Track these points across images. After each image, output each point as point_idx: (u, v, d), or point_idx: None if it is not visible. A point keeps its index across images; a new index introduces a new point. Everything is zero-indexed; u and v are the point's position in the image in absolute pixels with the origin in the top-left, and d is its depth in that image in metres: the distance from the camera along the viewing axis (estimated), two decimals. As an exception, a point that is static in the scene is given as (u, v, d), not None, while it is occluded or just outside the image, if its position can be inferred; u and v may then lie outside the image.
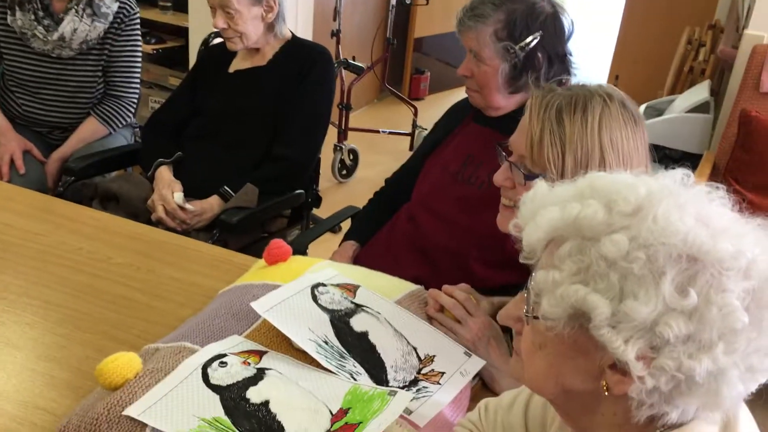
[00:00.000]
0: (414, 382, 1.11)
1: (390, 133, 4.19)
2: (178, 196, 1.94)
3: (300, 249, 1.80)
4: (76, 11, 2.28)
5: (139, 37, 2.45)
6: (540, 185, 0.74)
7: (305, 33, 4.03)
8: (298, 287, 1.22)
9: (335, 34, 3.82)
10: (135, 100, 2.50)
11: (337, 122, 3.90)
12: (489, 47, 1.50)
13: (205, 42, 2.37)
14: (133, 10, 2.41)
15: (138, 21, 2.43)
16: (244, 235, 1.96)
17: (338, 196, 3.71)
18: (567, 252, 0.66)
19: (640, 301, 0.61)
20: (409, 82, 5.07)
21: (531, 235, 0.71)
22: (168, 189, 1.96)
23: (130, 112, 2.49)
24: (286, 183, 2.05)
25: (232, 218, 1.87)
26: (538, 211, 0.70)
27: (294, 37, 2.13)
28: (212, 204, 1.97)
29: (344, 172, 3.94)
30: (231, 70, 2.12)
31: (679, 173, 0.69)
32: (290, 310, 1.16)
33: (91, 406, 1.02)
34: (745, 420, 0.71)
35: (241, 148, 2.04)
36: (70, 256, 1.50)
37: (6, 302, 1.33)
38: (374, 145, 4.23)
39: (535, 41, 1.48)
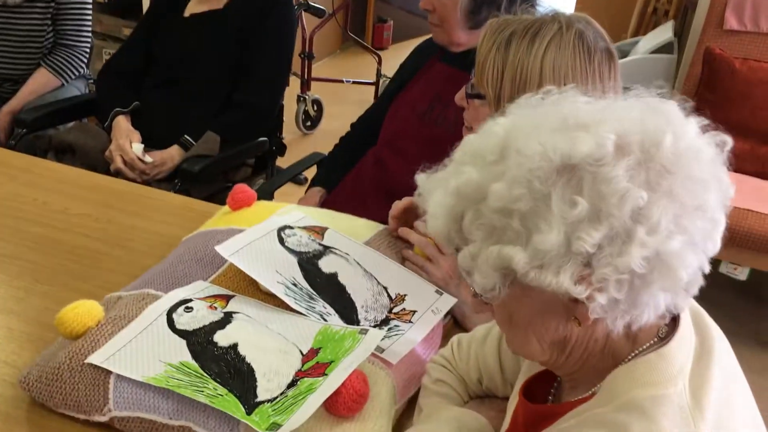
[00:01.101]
0: (385, 321, 1.10)
1: (354, 82, 4.12)
2: (137, 147, 1.88)
3: (265, 198, 1.76)
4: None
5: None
6: (418, 178, 0.74)
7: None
8: (264, 230, 1.19)
9: (295, -20, 3.72)
10: (87, 50, 2.40)
11: (299, 72, 3.82)
12: (447, -21, 1.46)
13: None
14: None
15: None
16: (207, 184, 1.91)
17: (303, 147, 3.66)
18: (469, 222, 0.66)
19: (543, 232, 0.61)
20: (372, 32, 4.98)
21: (437, 227, 0.70)
22: (126, 139, 1.90)
23: (83, 62, 2.39)
24: (248, 130, 2.00)
25: (194, 167, 1.81)
26: (428, 202, 0.71)
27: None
28: (172, 154, 1.91)
29: (308, 123, 3.88)
30: (186, 14, 2.05)
31: (531, 96, 0.70)
32: (256, 254, 1.13)
33: (52, 355, 0.99)
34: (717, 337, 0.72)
35: (201, 96, 1.98)
36: (26, 208, 1.44)
37: (-41, 256, 1.28)
38: (338, 96, 4.16)
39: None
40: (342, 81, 4.07)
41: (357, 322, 1.08)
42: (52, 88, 2.35)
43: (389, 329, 1.09)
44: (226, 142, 1.91)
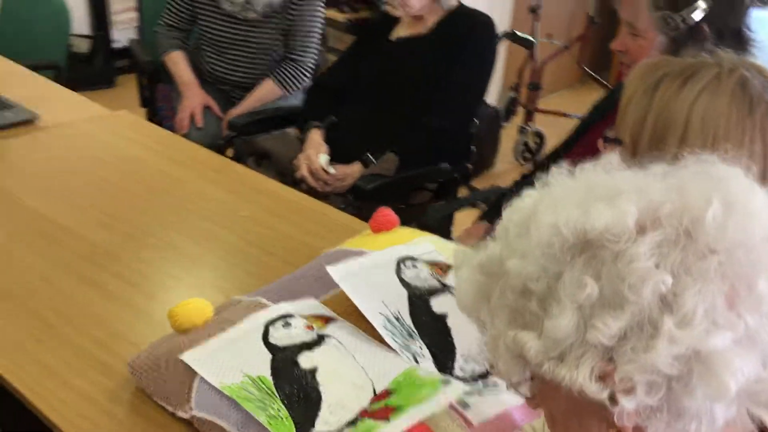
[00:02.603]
0: (484, 376, 1.01)
1: (579, 118, 3.92)
2: (323, 158, 1.96)
3: (431, 222, 1.73)
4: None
5: (321, 5, 2.50)
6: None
7: (503, 5, 3.91)
8: (384, 258, 1.16)
9: (534, 9, 3.65)
10: (312, 65, 2.56)
11: (524, 103, 3.75)
12: (645, 17, 1.31)
13: (376, 6, 2.36)
14: (317, -23, 2.46)
15: (322, -11, 2.49)
16: (380, 203, 1.93)
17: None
18: (495, 302, 0.58)
19: (555, 317, 0.52)
20: (615, 67, 4.73)
21: (466, 305, 0.62)
22: (314, 150, 1.99)
23: (306, 76, 2.56)
24: (429, 155, 1.99)
25: (367, 185, 1.85)
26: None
27: (460, 5, 2.05)
28: (354, 170, 1.97)
29: (527, 155, 3.78)
30: (393, 37, 2.10)
31: (561, 170, 0.60)
32: (368, 280, 1.11)
33: (158, 345, 1.06)
34: None
35: (391, 116, 2.01)
36: (202, 204, 1.57)
37: (131, 239, 1.42)
38: (563, 131, 4.00)
39: (702, 12, 1.27)
40: (569, 115, 3.91)
41: (450, 371, 1.01)
42: (275, 97, 2.54)
43: (486, 385, 1.00)
44: (405, 164, 1.92)
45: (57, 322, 1.18)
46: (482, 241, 0.61)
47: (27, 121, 1.86)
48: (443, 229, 1.97)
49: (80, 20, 4.41)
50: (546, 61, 3.69)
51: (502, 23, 3.89)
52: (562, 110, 3.98)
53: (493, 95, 4.01)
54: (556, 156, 1.67)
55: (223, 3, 2.44)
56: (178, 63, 2.55)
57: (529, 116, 3.75)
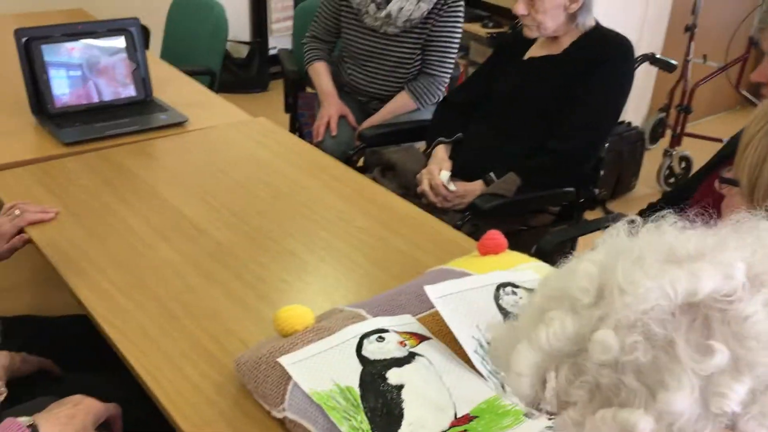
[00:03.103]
0: (572, 413, 0.99)
1: (736, 144, 3.68)
2: (444, 174, 1.98)
3: (549, 247, 1.71)
4: (406, -9, 2.44)
5: (460, 21, 2.53)
6: (495, 328, 0.63)
7: (657, 24, 3.75)
8: (484, 281, 1.17)
9: (689, 28, 3.47)
10: (447, 80, 2.60)
11: (673, 125, 3.57)
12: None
13: (513, 26, 2.35)
14: (458, -7, 2.49)
15: (461, 5, 2.51)
16: (499, 223, 1.92)
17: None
18: (566, 381, 0.54)
19: (671, 389, 0.48)
20: (780, 91, 4.38)
21: (522, 389, 0.58)
22: (437, 166, 2.02)
23: (440, 90, 2.59)
24: (552, 177, 1.95)
25: (485, 204, 1.85)
26: (509, 359, 0.58)
27: (597, 26, 2.00)
28: (475, 188, 1.97)
29: (671, 180, 3.60)
30: (526, 56, 2.08)
31: (621, 225, 0.57)
32: (464, 303, 1.12)
33: (261, 345, 1.12)
34: None
35: (517, 136, 2.00)
36: (322, 212, 1.64)
37: (251, 240, 1.51)
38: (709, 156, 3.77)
39: None
40: (720, 141, 3.67)
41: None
42: (408, 110, 2.60)
43: (573, 423, 0.98)
44: (527, 185, 1.90)
45: (180, 314, 1.29)
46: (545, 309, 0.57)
47: (178, 124, 2.03)
48: (563, 254, 1.93)
49: (242, 27, 4.72)
50: (699, 83, 3.50)
51: (654, 43, 3.74)
52: (714, 135, 3.76)
53: (638, 116, 3.86)
54: (675, 198, 1.59)
55: (365, 18, 2.53)
56: (321, 73, 2.67)
57: (676, 139, 3.57)
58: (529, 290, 1.17)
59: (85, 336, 1.38)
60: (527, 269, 1.24)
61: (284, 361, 1.04)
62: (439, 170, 2.01)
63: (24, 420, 1.07)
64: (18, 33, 1.94)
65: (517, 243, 1.41)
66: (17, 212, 1.53)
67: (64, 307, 1.51)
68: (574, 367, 0.54)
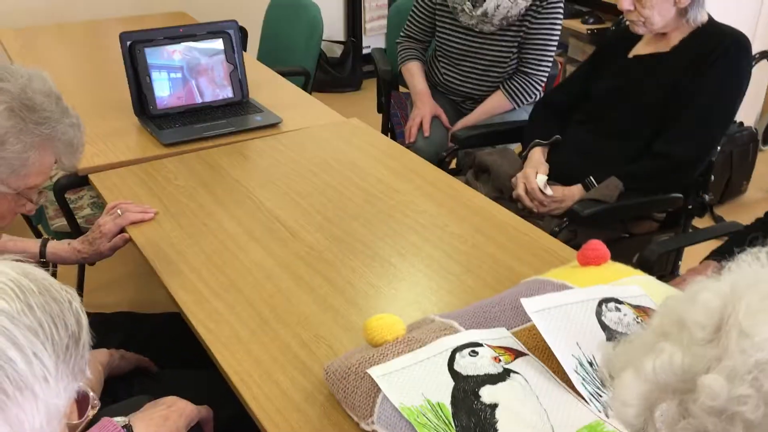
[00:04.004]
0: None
1: None
2: (541, 178, 1.91)
3: (653, 256, 1.61)
4: (504, -12, 2.37)
5: (559, 17, 2.44)
6: (605, 347, 0.59)
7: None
8: (585, 296, 1.10)
9: (811, 21, 3.23)
10: (543, 79, 2.51)
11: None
12: None
13: (617, 23, 2.24)
14: (558, -11, 2.40)
15: (561, 0, 2.42)
16: (598, 230, 1.83)
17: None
18: (672, 419, 0.50)
19: None
20: None
21: (628, 418, 0.53)
22: (533, 169, 1.94)
23: (537, 90, 2.51)
24: (659, 183, 1.84)
25: (584, 210, 1.76)
26: (616, 383, 0.54)
27: (710, 21, 1.87)
28: (573, 193, 1.89)
29: (786, 183, 3.36)
30: (631, 54, 1.97)
31: (762, 254, 0.50)
32: (564, 319, 1.05)
33: (352, 354, 1.10)
34: None
35: (620, 138, 1.90)
36: (414, 216, 1.60)
37: (342, 244, 1.49)
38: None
39: None
40: None
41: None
42: (503, 110, 2.53)
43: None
44: (630, 191, 1.80)
45: (270, 318, 1.29)
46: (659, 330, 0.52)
47: (272, 125, 2.05)
48: (668, 264, 1.82)
49: (336, 27, 4.76)
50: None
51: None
52: None
53: (751, 116, 3.62)
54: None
55: (460, 16, 2.47)
56: (414, 73, 2.64)
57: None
58: (635, 307, 1.10)
59: (181, 334, 1.40)
60: (632, 283, 1.17)
61: (374, 372, 1.01)
62: (535, 173, 1.93)
63: (119, 420, 1.09)
64: (123, 37, 2.01)
65: (618, 251, 1.33)
66: (119, 212, 1.57)
67: (164, 303, 1.55)
68: (681, 405, 0.50)
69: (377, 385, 1.00)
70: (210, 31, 2.12)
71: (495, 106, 2.52)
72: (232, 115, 2.07)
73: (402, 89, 2.91)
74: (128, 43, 2.01)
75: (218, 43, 2.11)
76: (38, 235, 2.15)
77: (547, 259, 1.45)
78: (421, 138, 2.48)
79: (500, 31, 2.45)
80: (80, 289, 2.37)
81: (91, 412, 0.65)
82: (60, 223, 2.10)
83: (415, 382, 0.99)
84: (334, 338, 1.24)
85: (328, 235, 1.53)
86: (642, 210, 1.91)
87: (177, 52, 2.07)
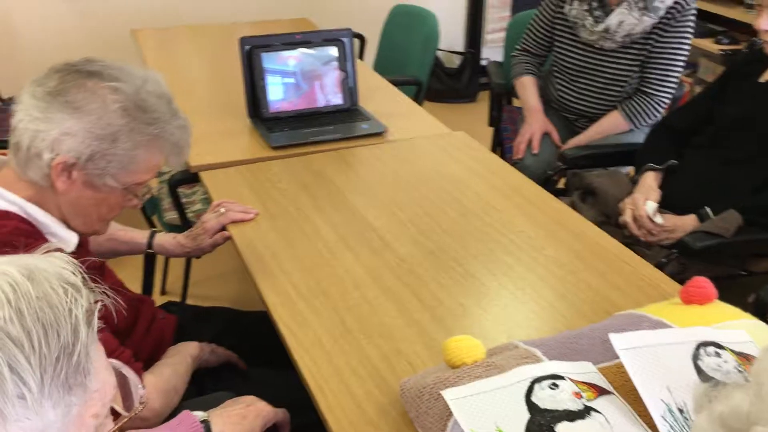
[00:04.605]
0: None
1: None
2: (651, 205, 1.80)
3: (767, 298, 1.49)
4: (628, 4, 2.28)
5: (688, 36, 2.31)
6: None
7: None
8: (682, 337, 1.03)
9: None
10: (666, 100, 2.38)
11: None
12: None
13: (751, 45, 2.09)
14: (688, 6, 2.28)
15: (691, 18, 2.30)
16: (711, 266, 1.71)
17: None
18: None
19: None
20: None
21: None
22: (643, 195, 1.84)
23: (658, 112, 2.39)
24: (785, 220, 1.70)
25: (696, 243, 1.65)
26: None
27: None
28: (686, 223, 1.77)
29: None
30: (763, 78, 1.84)
31: None
32: (656, 359, 0.99)
33: (429, 372, 1.08)
34: None
35: (743, 167, 1.77)
36: (510, 236, 1.56)
37: (434, 258, 1.47)
38: None
39: None
40: None
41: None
42: (619, 131, 2.43)
43: None
44: (751, 226, 1.67)
45: (354, 327, 1.29)
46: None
47: (377, 134, 2.06)
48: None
49: (456, 37, 4.75)
50: None
51: None
52: None
53: None
54: None
55: (580, 31, 2.40)
56: (527, 88, 2.58)
57: None
58: (737, 353, 1.01)
59: (271, 334, 1.42)
60: (738, 327, 1.08)
61: (448, 395, 0.99)
62: (644, 200, 1.84)
63: (199, 414, 1.13)
64: (242, 41, 2.08)
65: (731, 290, 1.23)
66: (222, 210, 1.62)
67: (260, 302, 1.59)
68: None
69: (449, 408, 0.97)
70: (325, 38, 2.16)
71: (610, 126, 2.42)
72: (340, 122, 2.10)
73: (516, 103, 2.85)
74: (247, 47, 2.08)
75: (332, 51, 2.15)
76: (151, 224, 2.27)
77: (649, 292, 1.37)
78: (529, 155, 2.42)
79: (622, 48, 2.35)
80: (186, 281, 2.48)
81: (139, 407, 0.65)
82: (172, 215, 2.20)
83: (489, 410, 0.96)
84: (415, 354, 1.22)
85: (421, 249, 1.51)
86: (762, 247, 1.77)
87: (292, 58, 2.12)
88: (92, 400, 0.58)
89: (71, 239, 1.20)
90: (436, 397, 1.01)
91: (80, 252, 1.22)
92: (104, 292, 0.62)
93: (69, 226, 1.20)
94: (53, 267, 0.59)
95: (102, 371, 0.59)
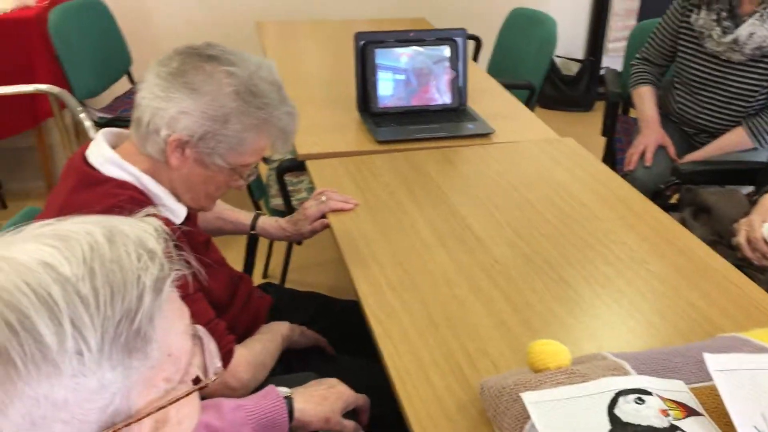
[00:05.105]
0: None
1: None
2: (767, 227, 1.70)
3: None
4: (761, 15, 2.16)
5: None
6: None
7: None
8: (784, 365, 0.97)
9: None
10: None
11: None
12: None
13: None
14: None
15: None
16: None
17: None
18: None
19: None
20: None
21: None
22: (760, 217, 1.73)
23: (787, 130, 2.25)
24: None
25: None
26: None
27: None
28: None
29: None
30: None
31: None
32: (752, 384, 0.93)
33: (511, 374, 1.07)
34: None
35: None
36: (611, 247, 1.51)
37: (528, 263, 1.45)
38: None
39: None
40: None
41: None
42: (741, 149, 2.30)
43: None
44: None
45: (441, 323, 1.29)
46: None
47: (483, 135, 2.05)
48: None
49: (577, 44, 4.64)
50: None
51: None
52: None
53: None
54: None
55: (707, 42, 2.29)
56: (645, 98, 2.49)
57: None
58: None
59: (359, 324, 1.45)
60: None
61: (527, 398, 0.97)
62: (761, 221, 1.73)
63: (283, 390, 1.16)
64: (358, 36, 2.13)
65: None
66: (323, 198, 1.67)
67: (352, 292, 1.62)
68: None
69: (528, 411, 0.96)
70: (439, 37, 2.17)
71: (732, 143, 2.29)
72: (446, 121, 2.10)
73: (632, 114, 2.76)
74: (361, 42, 2.12)
75: (445, 50, 2.16)
76: (257, 208, 2.36)
77: (755, 316, 1.29)
78: (641, 167, 2.33)
79: (751, 61, 2.23)
80: (286, 266, 2.56)
81: (213, 377, 0.65)
82: (277, 201, 2.28)
83: (568, 417, 0.94)
84: (500, 356, 1.21)
85: (516, 252, 1.49)
86: None
87: (404, 55, 2.14)
88: (164, 365, 0.58)
89: (181, 212, 1.27)
90: (515, 398, 1.00)
91: (188, 226, 1.29)
92: (188, 262, 0.62)
93: (179, 200, 1.27)
94: (136, 232, 0.59)
95: (175, 338, 0.60)
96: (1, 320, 0.51)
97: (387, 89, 2.15)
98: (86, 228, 0.58)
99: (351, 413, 1.25)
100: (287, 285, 2.23)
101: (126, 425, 0.55)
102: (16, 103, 3.07)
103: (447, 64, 2.16)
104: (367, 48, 2.12)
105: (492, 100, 2.32)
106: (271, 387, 1.16)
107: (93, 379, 0.53)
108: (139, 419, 0.56)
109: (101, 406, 0.54)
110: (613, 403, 0.95)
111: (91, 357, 0.53)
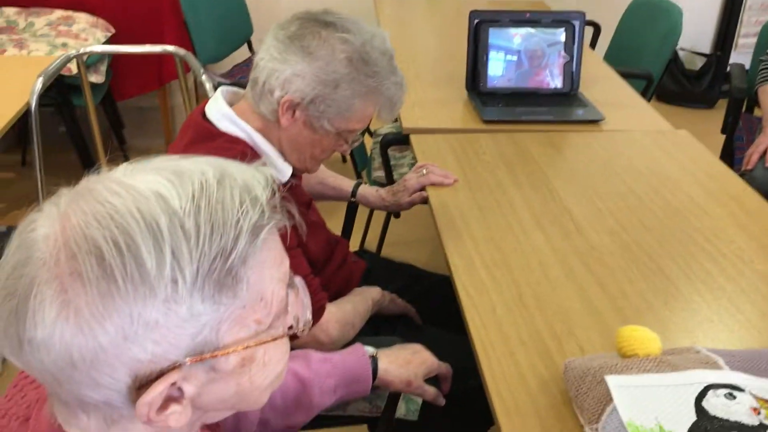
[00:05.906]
0: None
1: None
2: None
3: None
4: None
5: None
6: None
7: None
8: None
9: None
10: None
11: None
12: None
13: None
14: None
15: None
16: None
17: None
18: None
19: None
20: None
21: None
22: None
23: None
24: None
25: None
26: None
27: None
28: None
29: None
30: None
31: None
32: None
33: (596, 357, 1.06)
34: None
35: None
36: (717, 245, 1.45)
37: (627, 252, 1.42)
38: None
39: None
40: None
41: None
42: None
43: None
44: None
45: (530, 303, 1.28)
46: None
47: (592, 121, 2.00)
48: None
49: (704, 38, 4.42)
50: None
51: None
52: None
53: None
54: None
55: None
56: (771, 96, 2.36)
57: None
58: None
59: (448, 298, 1.47)
60: None
61: (611, 381, 0.96)
62: None
63: (369, 349, 1.20)
64: (472, 15, 2.12)
65: None
66: (424, 171, 1.69)
67: (444, 268, 1.64)
68: None
69: (611, 394, 0.95)
70: (555, 19, 2.13)
71: None
72: (555, 105, 2.07)
73: (757, 113, 2.61)
74: (476, 20, 2.12)
75: (560, 33, 2.12)
76: (359, 178, 2.41)
77: None
78: (761, 167, 2.21)
79: None
80: (382, 237, 2.60)
81: (302, 328, 0.66)
82: (379, 174, 2.32)
83: (652, 404, 0.92)
84: (588, 340, 1.19)
85: (615, 240, 1.46)
86: None
87: (518, 36, 2.12)
88: (255, 306, 0.61)
89: (286, 171, 1.33)
90: (599, 380, 0.99)
91: (293, 185, 1.34)
92: (291, 214, 0.64)
93: (285, 160, 1.33)
94: (245, 177, 0.62)
95: (269, 283, 0.62)
96: (111, 240, 0.55)
97: (497, 69, 2.13)
98: (201, 167, 0.62)
99: (433, 380, 1.27)
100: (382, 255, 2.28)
101: (213, 356, 0.59)
102: (145, 64, 3.26)
103: (561, 47, 2.12)
104: (480, 27, 2.11)
105: (605, 88, 2.26)
106: (358, 344, 1.20)
107: (183, 307, 0.56)
108: (227, 353, 0.60)
109: (191, 333, 0.58)
110: (702, 395, 0.93)
111: (185, 286, 0.56)
